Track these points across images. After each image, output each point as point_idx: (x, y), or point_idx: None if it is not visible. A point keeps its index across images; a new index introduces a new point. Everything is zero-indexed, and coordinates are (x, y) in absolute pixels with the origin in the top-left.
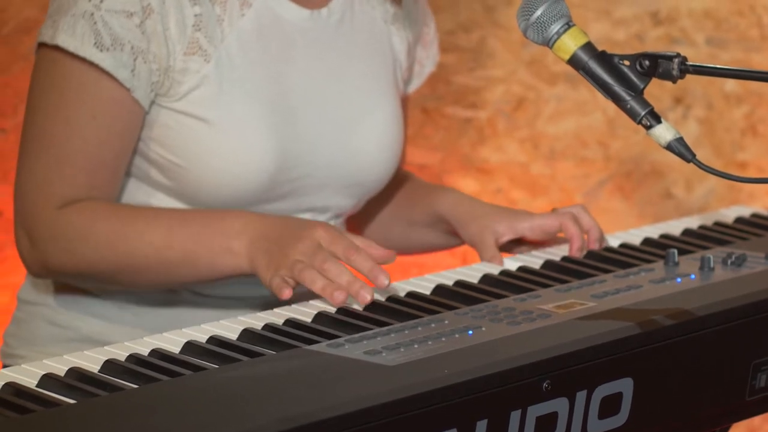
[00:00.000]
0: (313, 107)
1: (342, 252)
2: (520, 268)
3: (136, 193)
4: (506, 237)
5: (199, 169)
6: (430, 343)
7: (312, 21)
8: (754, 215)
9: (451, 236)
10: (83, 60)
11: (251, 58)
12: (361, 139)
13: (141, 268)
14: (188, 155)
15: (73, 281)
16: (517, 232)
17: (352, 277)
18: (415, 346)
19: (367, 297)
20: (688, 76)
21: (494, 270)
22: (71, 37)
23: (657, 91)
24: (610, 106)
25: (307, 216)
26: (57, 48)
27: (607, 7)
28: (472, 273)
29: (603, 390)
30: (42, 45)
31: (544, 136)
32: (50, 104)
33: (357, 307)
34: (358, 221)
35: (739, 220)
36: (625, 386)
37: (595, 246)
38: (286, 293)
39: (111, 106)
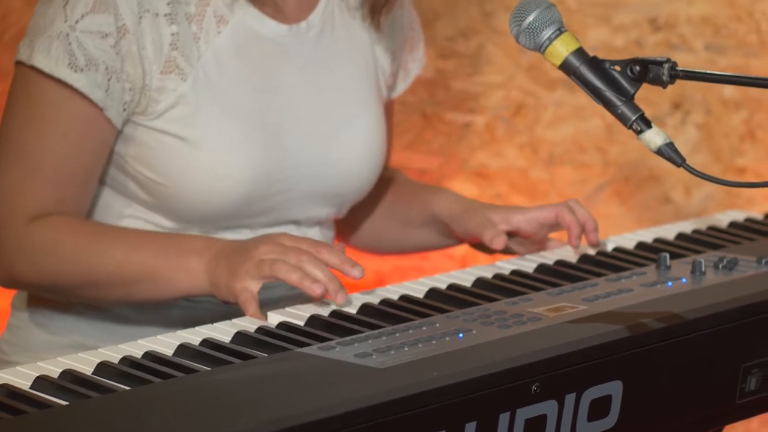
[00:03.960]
0: (294, 121)
1: (309, 247)
2: (514, 272)
3: (113, 204)
4: (502, 227)
5: (178, 186)
6: (420, 345)
7: (291, 36)
8: (748, 220)
9: (445, 237)
10: (57, 80)
11: (229, 76)
12: (343, 150)
13: (103, 283)
14: (167, 173)
15: (40, 294)
16: (513, 223)
17: (330, 274)
18: (406, 348)
19: (343, 299)
20: (687, 82)
21: (487, 273)
22: (46, 57)
23: (656, 97)
24: (608, 112)
25: (289, 228)
26: (33, 67)
27: (606, 13)
28: (466, 277)
29: (592, 393)
30: (20, 62)
31: (542, 141)
32: (24, 120)
33: (350, 310)
34: (349, 224)
35: (733, 224)
36: (614, 389)
37: (592, 237)
38: (252, 308)
39: (83, 124)
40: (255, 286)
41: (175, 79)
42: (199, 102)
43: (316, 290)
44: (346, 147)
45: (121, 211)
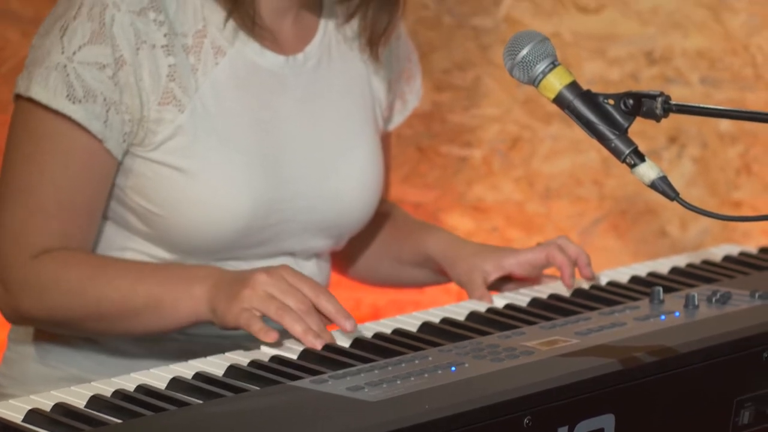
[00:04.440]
0: (291, 153)
1: (309, 291)
2: (507, 306)
3: (115, 237)
4: (494, 275)
5: (176, 217)
6: (412, 379)
7: (288, 67)
8: (742, 254)
9: (440, 275)
10: (56, 112)
11: (227, 107)
12: (340, 182)
13: (108, 314)
14: (165, 204)
15: (46, 328)
16: (505, 269)
17: (325, 329)
18: (398, 382)
19: (318, 346)
20: (684, 116)
21: (481, 307)
22: (44, 89)
23: (652, 131)
24: None
25: (286, 259)
26: (31, 99)
27: (601, 46)
28: (459, 310)
29: (584, 426)
30: (18, 96)
31: (539, 174)
32: (25, 154)
33: (343, 344)
34: (345, 257)
35: (727, 258)
36: (606, 423)
37: (585, 271)
38: (257, 325)
39: (83, 156)
40: (255, 311)
41: (173, 111)
42: (197, 133)
43: (317, 346)
44: (344, 178)
45: (123, 245)
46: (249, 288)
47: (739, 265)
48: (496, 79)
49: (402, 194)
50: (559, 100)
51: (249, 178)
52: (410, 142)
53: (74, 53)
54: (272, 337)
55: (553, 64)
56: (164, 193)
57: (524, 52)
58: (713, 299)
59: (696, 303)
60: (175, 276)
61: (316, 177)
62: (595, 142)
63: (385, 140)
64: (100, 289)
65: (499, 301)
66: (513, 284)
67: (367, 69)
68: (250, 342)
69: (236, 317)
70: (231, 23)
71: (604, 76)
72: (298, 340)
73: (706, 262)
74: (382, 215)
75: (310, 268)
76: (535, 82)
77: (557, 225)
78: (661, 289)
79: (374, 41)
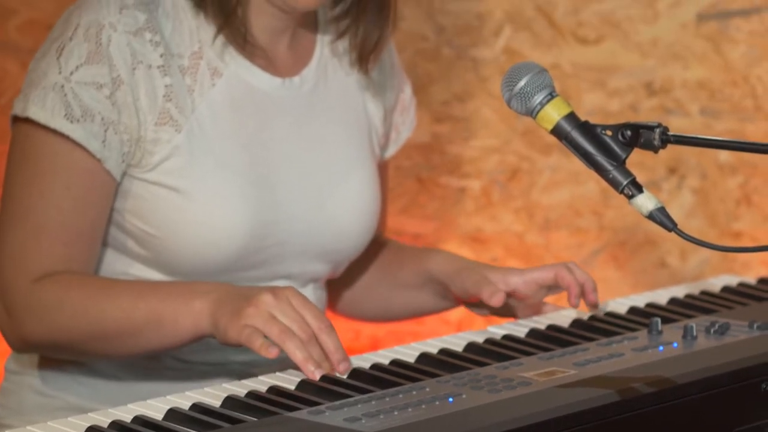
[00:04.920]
0: (288, 175)
1: (313, 321)
2: (505, 336)
3: (115, 264)
4: (499, 287)
5: (172, 239)
6: (409, 410)
7: (284, 89)
8: (741, 284)
9: (441, 298)
10: (54, 132)
11: (223, 128)
12: (337, 206)
13: (111, 333)
14: (161, 225)
15: (50, 353)
16: (510, 284)
17: (323, 354)
18: (395, 413)
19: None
20: (683, 147)
21: (479, 338)
22: (42, 109)
23: (651, 162)
24: None
25: (282, 283)
26: (29, 120)
27: (601, 77)
28: (457, 341)
29: None
30: (16, 119)
31: (538, 205)
32: (25, 177)
33: (340, 375)
34: (337, 285)
35: (726, 289)
36: None
37: (591, 297)
38: (258, 341)
39: (84, 176)
40: (257, 328)
41: (170, 131)
42: (193, 154)
43: (316, 376)
44: (340, 202)
45: (124, 271)
46: (253, 306)
47: (737, 295)
48: (495, 111)
49: (401, 225)
50: (557, 131)
51: (245, 199)
52: (409, 173)
53: (71, 73)
54: (273, 353)
55: (551, 95)
56: (161, 214)
57: (522, 83)
58: (712, 330)
59: (694, 334)
60: (176, 291)
61: (312, 200)
62: (594, 174)
63: (383, 170)
64: (103, 308)
65: (497, 331)
66: (515, 302)
67: (363, 95)
68: (247, 369)
69: (238, 333)
70: (228, 46)
71: (603, 107)
72: (297, 366)
73: (704, 293)
74: (377, 245)
75: (306, 294)
76: (532, 113)
77: (556, 256)
78: (659, 320)
79: (364, 56)
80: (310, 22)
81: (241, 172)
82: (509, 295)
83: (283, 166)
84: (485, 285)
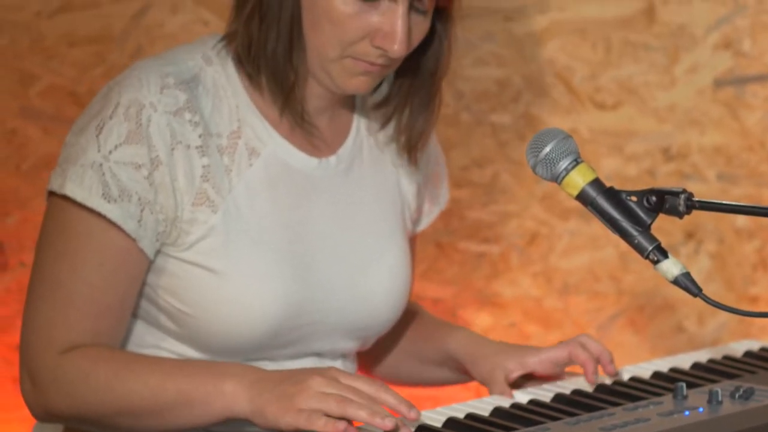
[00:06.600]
0: (322, 254)
1: (364, 386)
2: (531, 401)
3: (146, 336)
4: (516, 373)
5: (206, 318)
6: None
7: (321, 169)
8: (763, 349)
9: (462, 374)
10: (91, 210)
11: (260, 208)
12: (370, 285)
13: (138, 410)
14: (195, 304)
15: (74, 425)
16: (527, 367)
17: (385, 411)
18: None
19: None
20: (700, 212)
21: (505, 403)
22: (79, 187)
23: (669, 226)
24: (623, 241)
25: (313, 360)
26: (65, 197)
27: (618, 142)
28: (483, 406)
29: None
30: (51, 192)
31: (557, 270)
32: (57, 250)
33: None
34: (368, 356)
35: (748, 354)
36: None
37: (609, 368)
38: (321, 421)
39: (117, 254)
40: (314, 410)
41: (206, 211)
42: (229, 234)
43: (388, 425)
44: (373, 282)
45: (155, 344)
46: (304, 390)
47: (760, 360)
48: (514, 176)
49: (421, 290)
50: (582, 197)
51: (280, 279)
52: (429, 238)
53: (110, 152)
54: (341, 426)
55: (576, 161)
56: (196, 294)
57: (547, 149)
58: (736, 395)
59: (719, 398)
60: (203, 372)
61: (346, 280)
62: (612, 238)
63: (412, 242)
64: (130, 386)
65: (523, 396)
66: (535, 382)
67: (397, 172)
68: None
69: (295, 419)
70: (265, 124)
71: (621, 172)
72: (366, 425)
73: (727, 358)
74: (405, 315)
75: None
76: (558, 179)
77: (575, 320)
78: (684, 384)
79: (412, 146)
80: (348, 100)
81: (276, 251)
82: (527, 376)
83: (318, 245)
84: (496, 384)
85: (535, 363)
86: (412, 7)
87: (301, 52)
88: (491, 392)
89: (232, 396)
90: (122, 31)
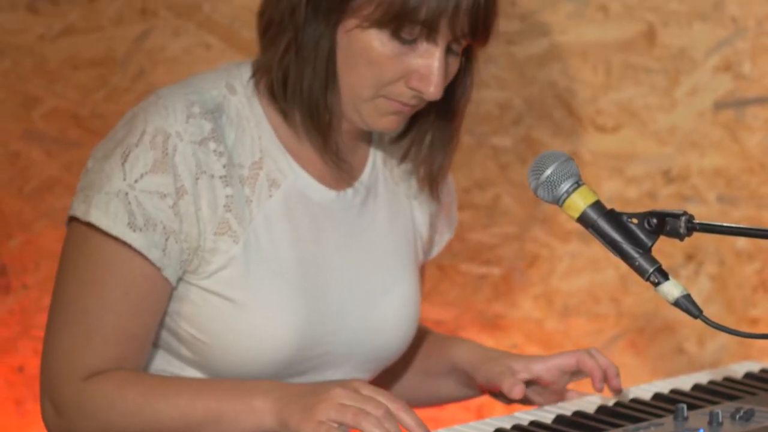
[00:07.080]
0: (337, 286)
1: (387, 401)
2: (532, 423)
3: (165, 365)
4: (523, 375)
5: (222, 347)
6: None
7: (338, 202)
8: (763, 371)
9: (465, 387)
10: (116, 238)
11: (278, 239)
12: (382, 316)
13: (167, 431)
14: (212, 332)
15: None
16: (533, 372)
17: (399, 429)
18: None
19: None
20: (700, 234)
21: (506, 424)
22: (104, 215)
23: (669, 248)
24: (623, 263)
25: None
26: (89, 224)
27: (619, 165)
28: (485, 427)
29: None
30: (73, 218)
31: (557, 292)
32: (82, 278)
33: None
34: (378, 378)
35: (749, 375)
36: None
37: (614, 382)
38: None
39: (143, 283)
40: (332, 423)
41: (228, 241)
42: (249, 264)
43: None
44: (385, 313)
45: (174, 373)
46: (324, 401)
47: (760, 382)
48: (515, 198)
49: (423, 312)
50: (583, 220)
51: (295, 310)
52: (431, 261)
53: (136, 181)
54: None
55: (578, 184)
56: (212, 322)
57: (548, 171)
58: (737, 416)
59: (720, 420)
60: (232, 390)
61: (359, 312)
62: (613, 260)
63: (421, 270)
64: (158, 408)
65: (524, 417)
66: (539, 394)
67: (411, 204)
68: None
69: (315, 429)
70: (286, 156)
71: (621, 194)
72: None
73: (727, 379)
74: (414, 339)
75: None
76: (559, 201)
77: (576, 342)
78: (685, 406)
79: (433, 180)
80: (365, 133)
81: (293, 283)
82: (532, 382)
83: (332, 276)
84: (506, 377)
85: (541, 369)
86: (448, 49)
87: (335, 90)
88: (501, 386)
89: (261, 412)
90: (125, 54)
